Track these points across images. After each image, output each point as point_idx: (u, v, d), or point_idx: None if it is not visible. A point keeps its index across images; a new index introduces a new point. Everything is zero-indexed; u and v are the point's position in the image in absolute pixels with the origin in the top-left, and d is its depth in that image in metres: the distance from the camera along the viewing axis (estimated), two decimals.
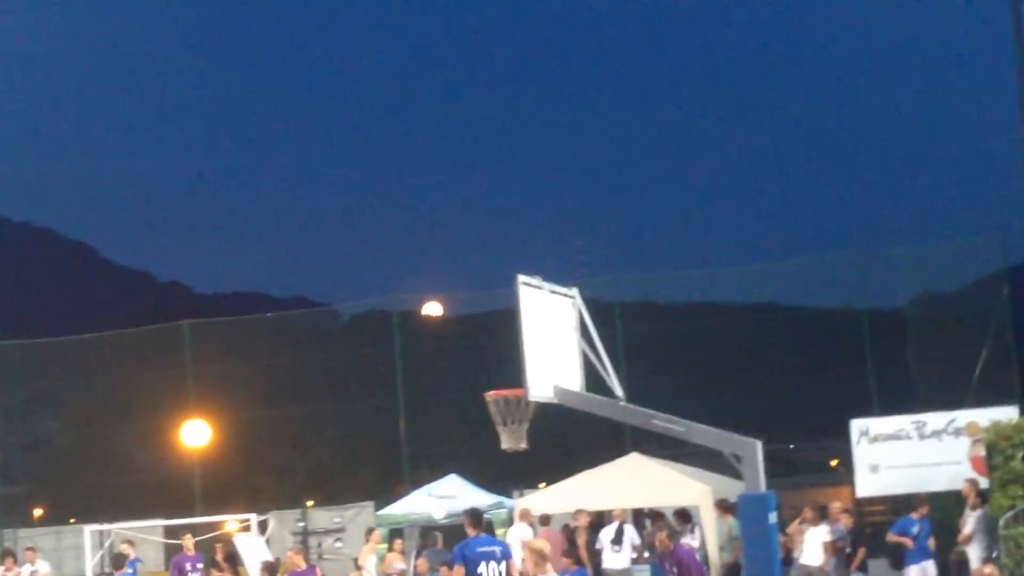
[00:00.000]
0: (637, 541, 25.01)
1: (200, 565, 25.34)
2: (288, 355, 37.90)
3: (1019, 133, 30.07)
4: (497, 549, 15.59)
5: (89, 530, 29.50)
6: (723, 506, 23.31)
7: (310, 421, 39.29)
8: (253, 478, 44.33)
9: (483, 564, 15.12)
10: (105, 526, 29.97)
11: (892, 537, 22.99)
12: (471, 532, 15.76)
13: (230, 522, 30.02)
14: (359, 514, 30.85)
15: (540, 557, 12.84)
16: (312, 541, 31.52)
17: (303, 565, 21.12)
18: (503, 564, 15.35)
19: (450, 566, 18.98)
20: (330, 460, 45.16)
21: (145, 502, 35.88)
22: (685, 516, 25.39)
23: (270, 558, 25.46)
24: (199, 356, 36.28)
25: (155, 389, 36.59)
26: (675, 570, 17.93)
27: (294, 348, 38.83)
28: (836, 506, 24.27)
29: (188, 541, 25.73)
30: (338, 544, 30.63)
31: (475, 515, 16.10)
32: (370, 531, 26.64)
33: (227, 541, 27.85)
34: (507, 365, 18.81)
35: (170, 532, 30.31)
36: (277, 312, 43.81)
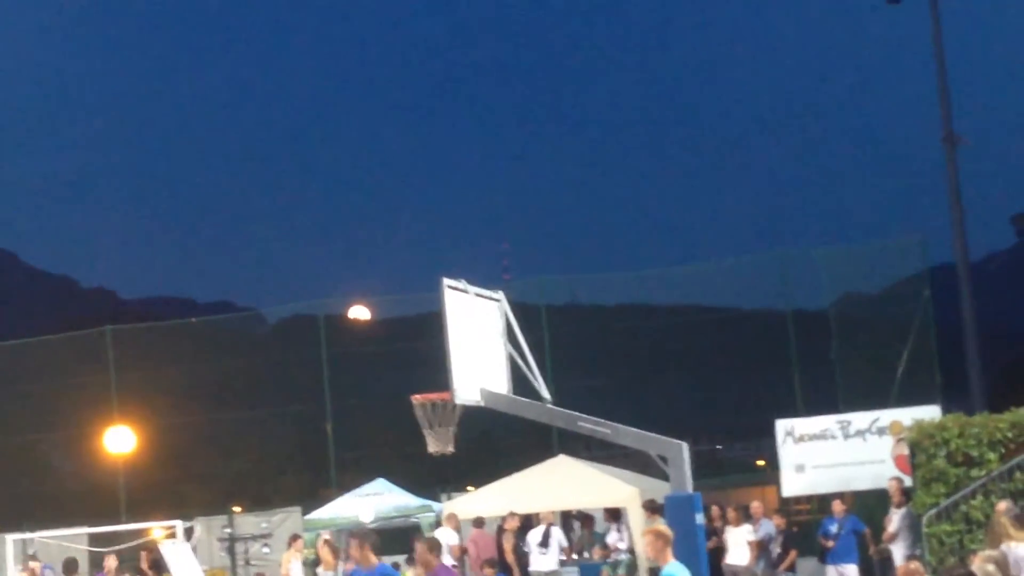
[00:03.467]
0: (565, 543, 25.04)
1: None
2: (214, 360, 37.61)
3: (940, 135, 30.45)
4: None
5: (11, 539, 29.05)
6: (651, 507, 23.43)
7: (236, 426, 39.03)
8: (179, 484, 43.95)
9: None
10: (27, 535, 29.55)
11: (820, 540, 23.37)
12: (373, 559, 14.74)
13: (156, 529, 29.69)
14: (286, 519, 30.62)
15: (665, 542, 12.47)
16: (239, 547, 31.28)
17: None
18: None
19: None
20: (257, 465, 44.94)
21: (69, 510, 35.49)
22: (615, 514, 25.53)
23: (196, 565, 25.24)
24: (122, 362, 35.87)
25: (78, 396, 36.15)
26: None
27: (219, 353, 38.55)
28: (756, 506, 24.50)
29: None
30: (265, 550, 30.38)
31: (370, 537, 15.12)
32: (294, 538, 26.49)
33: (152, 548, 27.58)
34: (434, 369, 18.82)
35: (95, 540, 29.93)
36: (202, 317, 43.50)
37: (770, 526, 24.17)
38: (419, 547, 14.89)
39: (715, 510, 24.33)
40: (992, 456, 20.26)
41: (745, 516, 23.98)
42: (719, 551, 23.78)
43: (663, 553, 12.49)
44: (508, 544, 24.59)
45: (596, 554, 25.53)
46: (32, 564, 25.09)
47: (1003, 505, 16.44)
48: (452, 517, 25.11)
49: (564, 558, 24.96)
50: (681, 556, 14.20)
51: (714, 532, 24.03)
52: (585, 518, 27.04)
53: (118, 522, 31.34)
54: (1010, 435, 20.28)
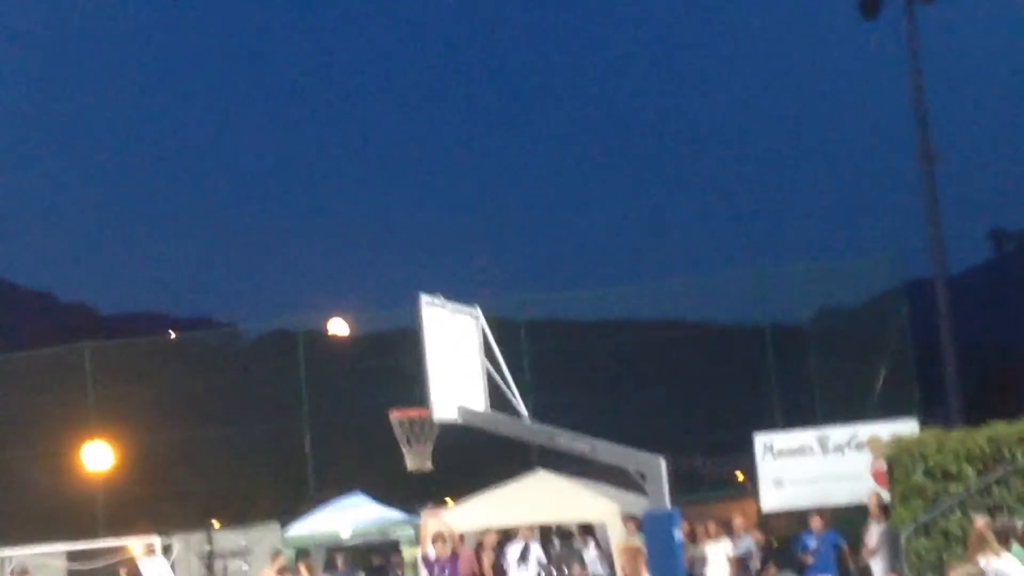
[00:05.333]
0: (544, 560, 24.97)
1: None
2: (192, 376, 37.48)
3: (916, 151, 30.63)
4: None
5: None
6: (638, 522, 23.45)
7: (215, 442, 38.83)
8: (158, 501, 43.73)
9: None
10: (5, 552, 29.45)
11: (799, 556, 23.42)
12: None
13: (134, 545, 29.60)
14: (265, 535, 30.54)
15: (642, 559, 12.46)
16: (218, 564, 31.18)
17: None
18: None
19: None
20: (235, 481, 44.68)
21: (47, 527, 35.25)
22: (589, 531, 25.57)
23: None
24: (101, 378, 35.78)
25: (56, 412, 36.04)
26: None
27: (198, 369, 38.41)
28: (738, 521, 24.50)
29: None
30: (244, 567, 30.29)
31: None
32: (276, 554, 26.45)
33: (131, 565, 27.53)
34: (413, 384, 18.82)
35: (73, 557, 29.84)
36: (181, 332, 43.39)
37: (750, 541, 24.21)
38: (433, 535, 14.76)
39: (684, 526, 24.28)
40: (970, 471, 20.30)
41: (726, 531, 24.02)
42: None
43: (639, 570, 12.54)
44: (487, 559, 24.57)
45: (576, 571, 25.53)
46: None
47: (981, 520, 16.48)
48: (439, 535, 25.06)
49: (543, 574, 24.94)
50: (660, 572, 14.24)
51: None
52: (565, 534, 27.03)
53: (96, 538, 31.25)
54: (988, 450, 20.33)
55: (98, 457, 35.45)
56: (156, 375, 36.34)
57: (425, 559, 23.74)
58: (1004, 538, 14.26)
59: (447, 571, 23.13)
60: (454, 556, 23.65)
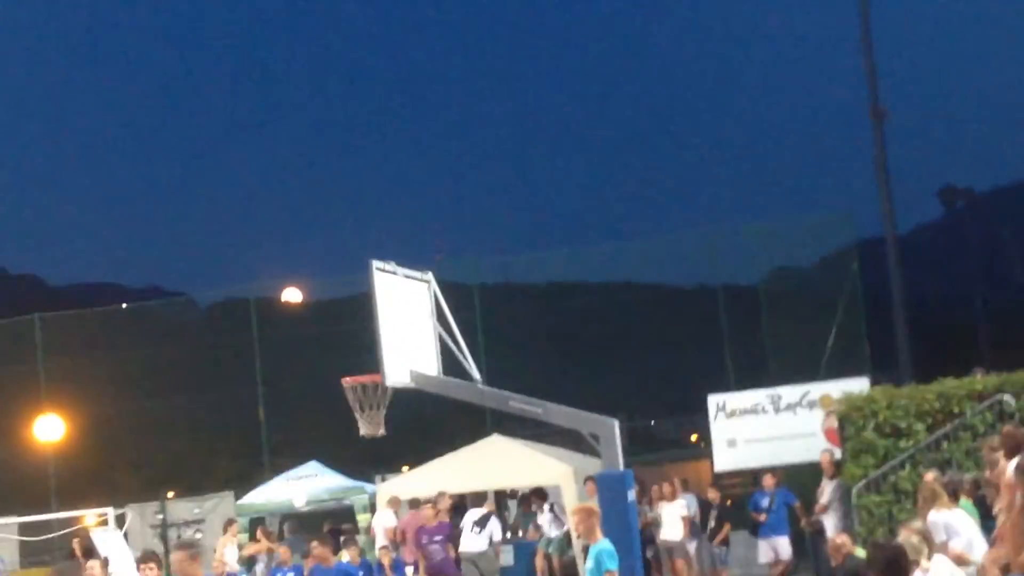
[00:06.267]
0: (498, 537, 24.74)
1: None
2: (144, 346, 37.18)
3: (866, 108, 30.67)
4: None
5: None
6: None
7: (168, 412, 38.66)
8: (110, 472, 43.57)
9: None
10: None
11: (753, 515, 23.60)
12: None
13: (87, 517, 29.45)
14: (219, 504, 30.50)
15: (595, 520, 12.52)
16: (172, 533, 31.11)
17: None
18: None
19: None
20: (189, 451, 44.57)
21: None
22: (541, 494, 25.61)
23: (128, 551, 25.08)
24: (51, 349, 35.51)
25: (6, 385, 35.71)
26: None
27: (150, 339, 38.12)
28: (675, 482, 24.64)
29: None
30: (198, 535, 30.21)
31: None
32: (229, 522, 26.42)
33: (84, 536, 27.39)
34: (367, 351, 18.80)
35: (25, 529, 29.68)
36: (132, 302, 43.07)
37: (692, 501, 24.49)
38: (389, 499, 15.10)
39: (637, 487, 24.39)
40: (920, 427, 20.47)
41: (665, 494, 24.22)
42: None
43: (593, 531, 12.59)
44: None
45: (531, 534, 25.58)
46: None
47: (931, 475, 16.60)
48: (394, 500, 25.00)
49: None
50: (614, 533, 14.26)
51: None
52: (523, 498, 27.07)
53: (49, 511, 31.07)
54: (937, 406, 20.50)
55: (49, 429, 35.22)
56: (107, 346, 36.06)
57: (422, 529, 23.27)
58: (953, 493, 14.37)
59: (439, 539, 22.95)
60: (442, 524, 23.38)
